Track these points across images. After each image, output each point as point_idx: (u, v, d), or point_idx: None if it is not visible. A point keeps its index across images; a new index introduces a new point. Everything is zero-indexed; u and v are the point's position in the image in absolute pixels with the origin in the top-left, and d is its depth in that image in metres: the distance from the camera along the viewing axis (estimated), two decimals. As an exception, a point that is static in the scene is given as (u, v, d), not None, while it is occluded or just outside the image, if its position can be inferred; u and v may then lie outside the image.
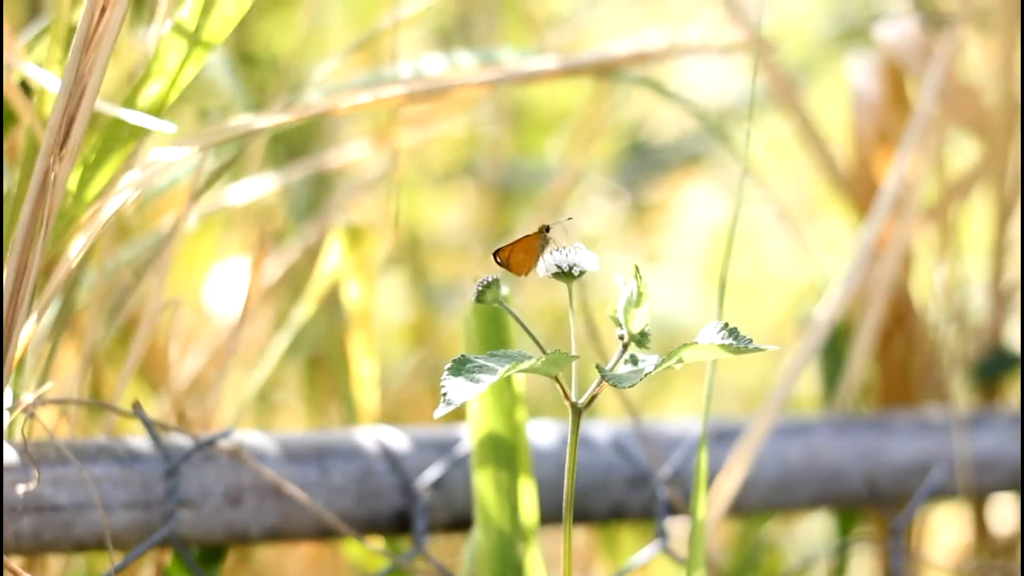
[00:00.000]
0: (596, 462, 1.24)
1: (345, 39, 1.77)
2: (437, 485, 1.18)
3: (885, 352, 1.49)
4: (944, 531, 1.59)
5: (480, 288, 0.91)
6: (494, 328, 1.10)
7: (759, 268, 2.16)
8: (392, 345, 1.87)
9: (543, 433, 1.22)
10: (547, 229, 0.93)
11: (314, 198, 1.58)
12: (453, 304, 1.77)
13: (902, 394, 1.49)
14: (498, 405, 1.09)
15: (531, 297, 1.76)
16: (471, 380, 0.86)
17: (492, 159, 1.84)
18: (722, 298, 1.00)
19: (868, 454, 1.35)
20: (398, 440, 1.20)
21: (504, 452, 1.09)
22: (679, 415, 1.84)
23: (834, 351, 1.48)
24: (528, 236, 0.93)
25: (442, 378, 0.86)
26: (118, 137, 1.09)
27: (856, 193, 1.47)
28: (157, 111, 1.07)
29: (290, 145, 1.68)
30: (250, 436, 1.16)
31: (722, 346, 0.86)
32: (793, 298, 1.97)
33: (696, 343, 0.86)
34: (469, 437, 1.12)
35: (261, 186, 1.36)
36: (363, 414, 1.30)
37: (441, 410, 0.84)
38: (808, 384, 1.60)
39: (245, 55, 1.84)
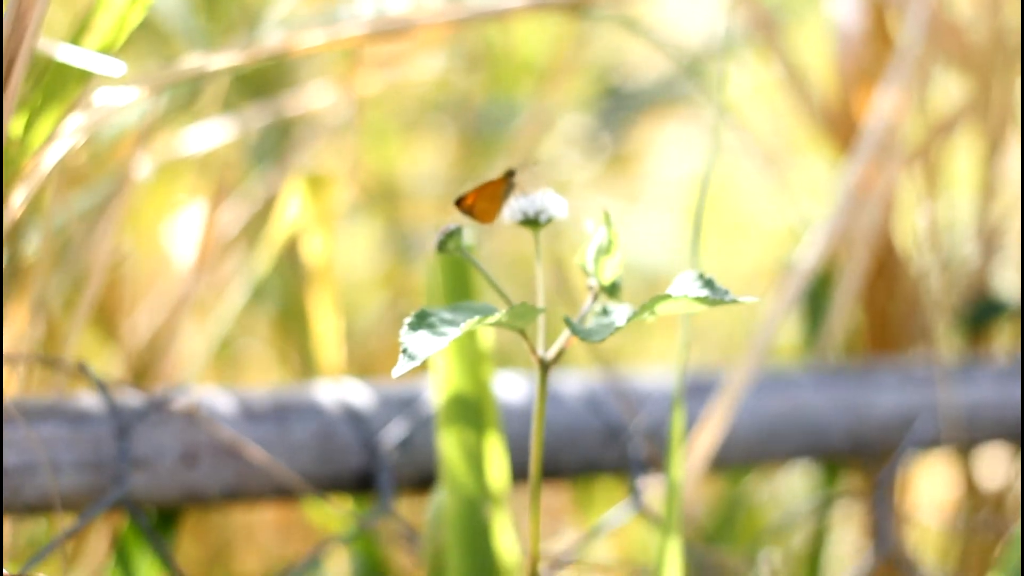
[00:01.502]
0: (567, 416, 1.21)
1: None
2: (402, 443, 1.14)
3: (869, 299, 1.46)
4: (930, 484, 1.56)
5: (442, 237, 0.88)
6: (459, 279, 1.07)
7: (739, 212, 2.12)
8: (363, 295, 1.82)
9: (513, 387, 1.19)
10: (512, 174, 0.89)
11: (276, 143, 1.52)
12: (426, 253, 1.73)
13: (887, 342, 1.46)
14: (463, 360, 1.06)
15: (505, 244, 1.71)
16: (433, 334, 0.82)
17: (464, 103, 1.79)
18: (696, 245, 0.96)
19: (851, 406, 1.33)
20: (361, 396, 1.16)
21: (470, 410, 1.06)
22: (658, 364, 1.80)
23: (816, 298, 1.44)
24: (492, 182, 0.90)
25: (401, 332, 0.82)
26: (64, 80, 1.04)
27: (838, 134, 1.43)
28: (105, 52, 1.01)
29: (252, 87, 1.63)
30: (207, 393, 1.11)
31: (697, 298, 0.82)
32: (775, 242, 1.93)
33: (669, 295, 0.82)
34: (433, 395, 1.09)
35: (220, 131, 1.30)
36: (326, 369, 1.25)
37: (401, 367, 0.80)
38: (790, 332, 1.56)
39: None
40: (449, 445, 1.06)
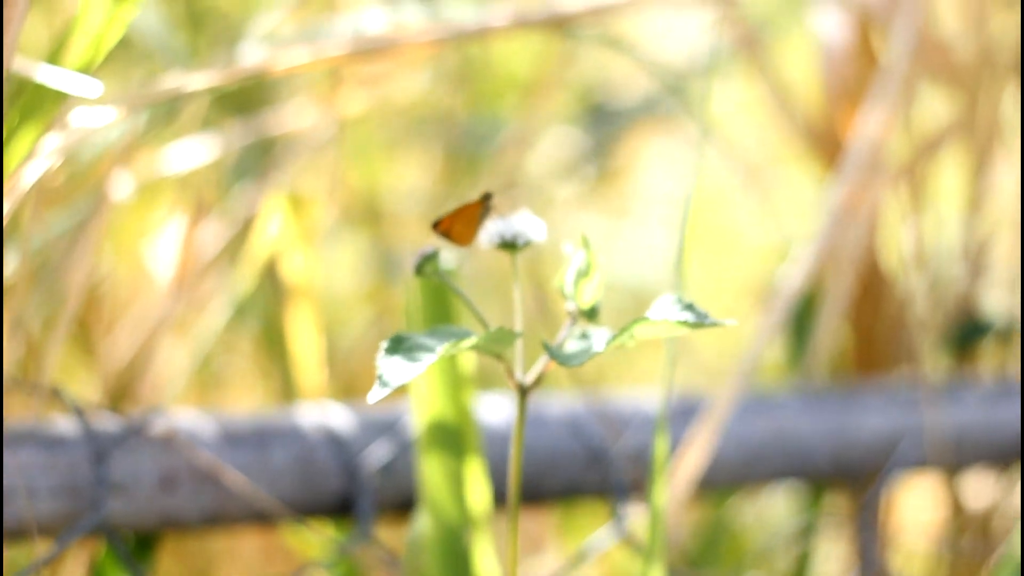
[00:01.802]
0: (549, 440, 1.20)
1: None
2: (383, 467, 1.13)
3: (854, 319, 1.45)
4: (916, 505, 1.54)
5: (420, 260, 0.87)
6: (438, 302, 1.05)
7: (726, 228, 2.11)
8: (346, 313, 1.81)
9: (496, 409, 1.17)
10: (489, 197, 0.88)
11: (257, 161, 1.51)
12: (407, 272, 1.71)
13: (873, 362, 1.45)
14: (443, 383, 1.04)
15: (488, 263, 1.70)
16: (409, 360, 0.81)
17: (447, 120, 1.78)
18: (680, 263, 0.94)
19: (837, 429, 1.32)
20: (341, 419, 1.15)
21: (451, 434, 1.04)
22: (643, 384, 1.79)
23: (801, 318, 1.43)
24: (470, 204, 0.89)
25: (377, 358, 0.81)
26: (42, 100, 1.02)
27: (824, 151, 1.42)
28: (84, 71, 1.00)
29: (234, 104, 1.62)
30: (185, 417, 1.10)
31: (678, 322, 0.81)
32: (761, 258, 1.92)
33: (649, 319, 0.81)
34: (414, 419, 1.07)
35: (200, 150, 1.28)
36: (307, 392, 1.24)
37: (376, 393, 0.79)
38: (775, 351, 1.55)
39: (195, 13, 1.78)
40: (430, 469, 1.04)
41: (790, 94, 1.43)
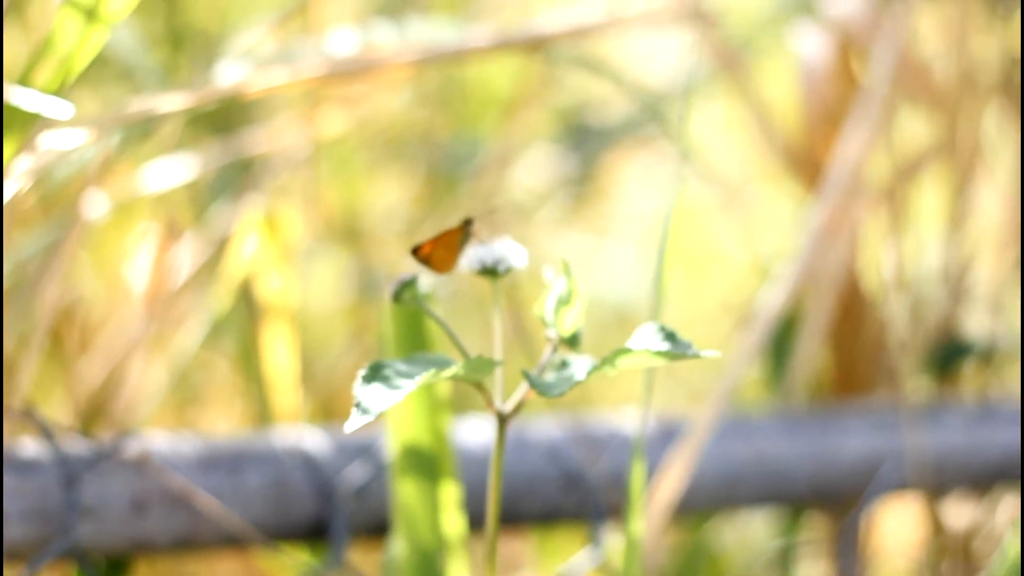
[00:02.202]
0: (527, 463, 1.19)
1: (271, 12, 1.70)
2: (358, 490, 1.13)
3: (835, 340, 1.44)
4: (897, 526, 1.53)
5: (398, 287, 0.86)
6: (415, 328, 1.04)
7: (705, 246, 2.10)
8: (325, 332, 1.80)
9: (473, 432, 1.17)
10: (470, 223, 0.88)
11: (234, 179, 1.50)
12: (384, 296, 1.70)
13: (853, 384, 1.44)
14: (419, 407, 1.03)
15: (465, 286, 1.69)
16: (388, 388, 0.80)
17: (427, 139, 1.77)
18: (659, 283, 0.93)
19: (816, 452, 1.31)
20: (316, 442, 1.14)
21: (426, 458, 1.03)
22: (623, 406, 1.78)
23: (781, 339, 1.42)
24: (450, 231, 0.88)
25: (355, 385, 0.80)
26: (14, 121, 1.01)
27: (804, 172, 1.42)
28: (55, 92, 0.99)
29: (212, 124, 1.61)
30: (157, 440, 1.09)
31: (658, 352, 0.80)
32: (740, 277, 1.91)
33: (630, 349, 0.80)
34: (389, 443, 1.06)
35: (177, 169, 1.27)
36: (282, 413, 1.23)
37: (354, 421, 0.78)
38: (755, 369, 1.54)
39: (174, 30, 1.77)
40: (405, 493, 1.03)
41: (770, 115, 1.42)
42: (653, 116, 1.40)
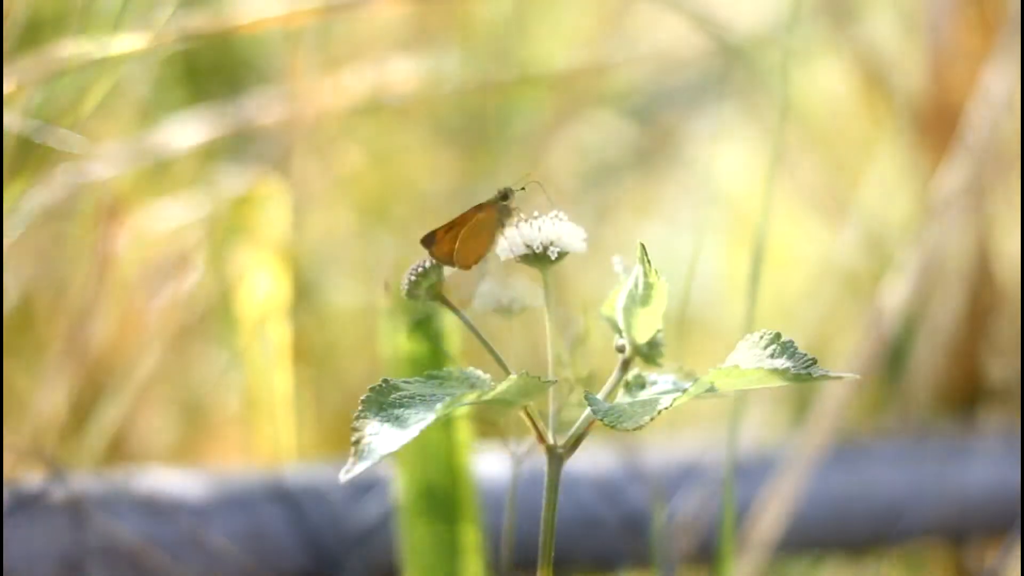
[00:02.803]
0: (576, 502, 1.08)
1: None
2: (355, 540, 1.00)
3: (962, 343, 1.30)
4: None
5: (412, 278, 0.71)
6: (433, 334, 0.90)
7: (787, 230, 1.94)
8: (355, 334, 1.66)
9: (495, 463, 1.04)
10: (507, 196, 0.73)
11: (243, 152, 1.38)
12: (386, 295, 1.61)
13: (983, 397, 1.31)
14: (435, 441, 0.91)
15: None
16: (397, 421, 0.66)
17: (471, 114, 1.65)
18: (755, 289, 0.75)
19: (938, 482, 1.21)
20: (305, 480, 1.00)
21: (442, 504, 0.92)
22: (686, 426, 1.64)
23: (897, 342, 1.28)
24: (478, 209, 0.73)
25: (354, 416, 0.66)
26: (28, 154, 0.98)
27: (929, 134, 1.24)
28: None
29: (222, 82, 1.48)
30: (97, 483, 0.95)
31: (772, 371, 0.65)
32: (831, 266, 1.75)
33: (737, 367, 0.66)
34: (396, 479, 0.93)
35: (190, 205, 1.22)
36: (269, 442, 1.12)
37: (353, 467, 0.64)
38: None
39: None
40: (416, 546, 0.92)
41: (885, 65, 1.25)
42: (744, 65, 1.22)
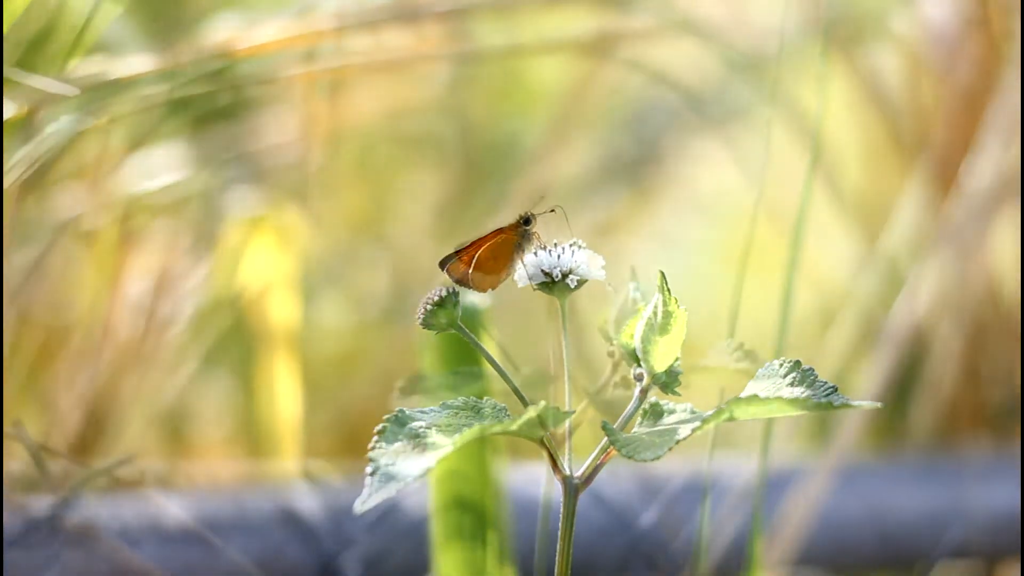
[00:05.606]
0: (588, 524, 1.08)
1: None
2: (371, 562, 1.00)
3: (969, 365, 1.29)
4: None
5: (429, 307, 0.70)
6: (457, 351, 0.88)
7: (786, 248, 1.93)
8: (351, 354, 1.64)
9: (529, 481, 1.04)
10: (528, 220, 0.73)
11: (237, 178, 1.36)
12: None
13: (991, 419, 1.31)
14: (464, 458, 0.90)
15: (510, 298, 1.52)
16: (416, 448, 0.66)
17: (461, 130, 1.65)
18: (786, 318, 0.74)
19: (948, 504, 1.22)
20: (319, 503, 1.01)
21: (471, 523, 0.90)
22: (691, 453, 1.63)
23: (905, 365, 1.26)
24: (498, 232, 0.73)
25: (371, 446, 0.65)
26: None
27: (934, 162, 1.23)
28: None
29: (215, 112, 1.46)
30: (107, 506, 0.96)
31: (792, 400, 0.64)
32: (835, 285, 1.74)
33: (756, 396, 0.64)
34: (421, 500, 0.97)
35: (176, 173, 1.20)
36: (281, 462, 1.12)
37: (371, 496, 0.63)
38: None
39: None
40: (445, 567, 0.90)
41: (886, 90, 1.26)
42: (746, 81, 1.22)
